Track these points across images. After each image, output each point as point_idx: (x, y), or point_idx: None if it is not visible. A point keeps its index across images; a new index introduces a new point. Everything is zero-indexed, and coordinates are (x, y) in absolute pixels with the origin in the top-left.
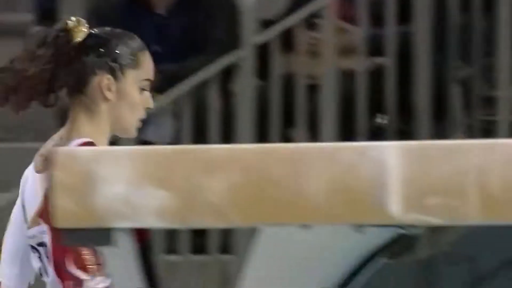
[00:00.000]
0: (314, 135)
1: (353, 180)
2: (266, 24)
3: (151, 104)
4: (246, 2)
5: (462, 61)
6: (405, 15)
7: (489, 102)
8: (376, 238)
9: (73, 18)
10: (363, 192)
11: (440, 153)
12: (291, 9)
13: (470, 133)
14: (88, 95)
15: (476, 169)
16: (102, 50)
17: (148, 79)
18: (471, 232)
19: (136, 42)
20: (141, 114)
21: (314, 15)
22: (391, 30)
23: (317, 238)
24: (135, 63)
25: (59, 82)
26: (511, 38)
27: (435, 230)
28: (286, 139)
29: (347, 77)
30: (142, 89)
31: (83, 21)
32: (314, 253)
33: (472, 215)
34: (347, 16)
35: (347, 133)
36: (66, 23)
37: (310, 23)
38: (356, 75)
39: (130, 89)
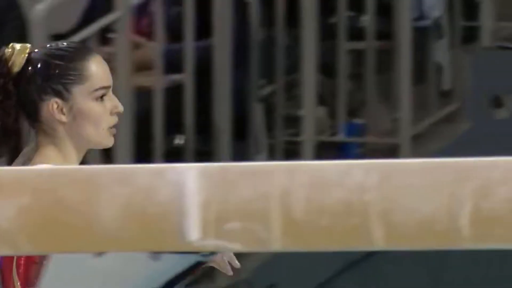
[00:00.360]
0: (108, 157)
1: (149, 204)
2: (57, 38)
3: (119, 107)
4: (35, 15)
5: (265, 78)
6: (204, 30)
7: (293, 121)
8: (174, 265)
9: (10, 45)
10: (160, 217)
11: (242, 176)
12: (83, 23)
13: (273, 154)
14: (44, 121)
15: (279, 193)
16: (41, 75)
17: (102, 87)
18: (273, 259)
19: (76, 53)
20: (111, 121)
21: (108, 30)
22: (189, 46)
23: (111, 266)
24: (79, 78)
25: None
26: (315, 55)
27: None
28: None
29: (143, 94)
30: (101, 98)
31: (21, 46)
32: (108, 281)
33: (274, 241)
34: (143, 30)
35: (143, 154)
36: (3, 53)
37: (103, 37)
38: (153, 92)
39: (83, 105)
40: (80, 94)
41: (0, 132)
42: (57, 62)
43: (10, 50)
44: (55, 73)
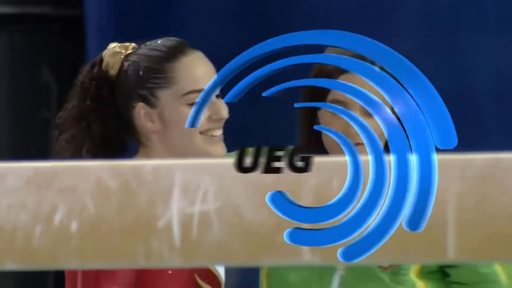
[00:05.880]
0: None
1: None
2: None
3: (222, 112)
4: None
5: None
6: None
7: None
8: None
9: (111, 45)
10: None
11: None
12: None
13: None
14: (140, 131)
15: None
16: (130, 78)
17: (194, 91)
18: None
19: (168, 53)
20: (212, 127)
21: None
22: None
23: None
24: (165, 81)
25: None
26: None
27: None
28: None
29: None
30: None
31: (120, 46)
32: None
33: None
34: None
35: None
36: (101, 57)
37: None
38: None
39: (173, 112)
40: (167, 100)
41: (103, 144)
42: (145, 64)
43: (108, 50)
44: (142, 76)
